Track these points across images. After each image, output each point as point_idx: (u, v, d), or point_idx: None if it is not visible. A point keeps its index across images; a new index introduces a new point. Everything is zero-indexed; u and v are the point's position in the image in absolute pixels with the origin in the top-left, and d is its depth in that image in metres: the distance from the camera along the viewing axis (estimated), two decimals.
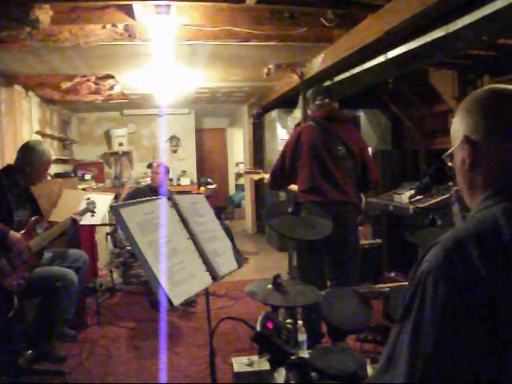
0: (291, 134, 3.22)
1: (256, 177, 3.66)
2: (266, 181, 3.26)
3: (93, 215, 3.34)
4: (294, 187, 3.14)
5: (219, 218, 4.93)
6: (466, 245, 0.76)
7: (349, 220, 2.88)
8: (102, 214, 3.48)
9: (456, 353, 0.72)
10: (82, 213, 3.24)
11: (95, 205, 3.33)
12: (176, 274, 1.64)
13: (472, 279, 0.73)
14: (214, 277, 1.82)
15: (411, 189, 4.10)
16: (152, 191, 4.31)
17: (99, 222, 3.57)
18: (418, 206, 3.56)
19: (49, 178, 4.29)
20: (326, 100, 3.01)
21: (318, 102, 3.03)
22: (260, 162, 7.63)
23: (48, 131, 6.27)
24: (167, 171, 4.61)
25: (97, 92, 5.57)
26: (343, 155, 2.89)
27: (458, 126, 0.92)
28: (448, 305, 0.74)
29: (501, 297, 0.72)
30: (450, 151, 0.95)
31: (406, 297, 0.82)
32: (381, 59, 3.62)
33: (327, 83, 4.60)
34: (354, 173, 2.93)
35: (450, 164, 0.97)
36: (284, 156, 3.00)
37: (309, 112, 3.17)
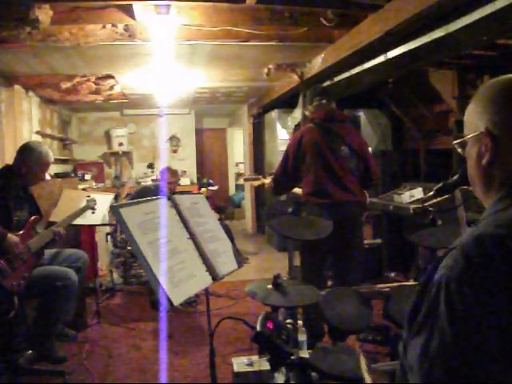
0: (292, 137, 3.20)
1: (256, 183, 3.64)
2: (266, 186, 3.24)
3: (93, 212, 3.33)
4: (297, 190, 3.12)
5: (219, 218, 4.90)
6: (489, 251, 0.71)
7: (355, 220, 2.89)
8: (102, 213, 3.48)
9: (475, 365, 0.67)
10: (81, 212, 3.22)
11: (95, 202, 3.32)
12: (176, 274, 1.64)
13: (498, 287, 0.68)
14: (214, 277, 1.82)
15: (411, 189, 4.10)
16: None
17: (99, 222, 3.56)
18: (425, 206, 3.54)
19: (49, 178, 4.28)
20: (324, 101, 3.00)
21: (315, 104, 3.03)
22: (260, 162, 7.63)
23: (48, 131, 6.27)
24: None
25: (97, 92, 5.57)
26: (346, 155, 2.88)
27: (477, 115, 0.84)
28: (474, 314, 0.69)
29: None
30: (463, 139, 0.88)
31: (415, 304, 0.77)
32: (381, 59, 3.62)
33: (327, 83, 4.60)
34: (357, 171, 2.93)
35: (460, 152, 0.90)
36: (286, 160, 2.97)
37: (306, 113, 3.16)
